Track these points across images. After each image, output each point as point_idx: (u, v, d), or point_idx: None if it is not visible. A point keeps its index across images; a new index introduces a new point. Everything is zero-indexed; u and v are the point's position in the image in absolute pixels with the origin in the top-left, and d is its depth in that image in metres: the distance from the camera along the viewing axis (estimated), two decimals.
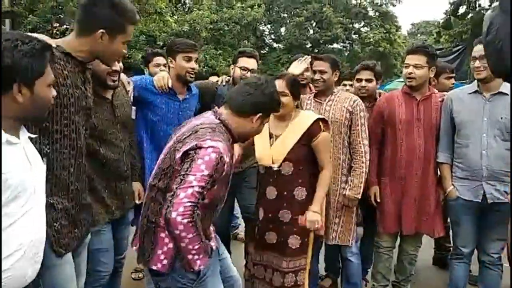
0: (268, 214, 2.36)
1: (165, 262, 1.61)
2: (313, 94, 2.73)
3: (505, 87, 2.41)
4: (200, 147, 1.55)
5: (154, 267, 1.62)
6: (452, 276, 2.68)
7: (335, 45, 23.80)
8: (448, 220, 2.85)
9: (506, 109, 2.37)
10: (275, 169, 2.29)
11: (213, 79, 3.12)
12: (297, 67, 2.74)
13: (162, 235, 1.60)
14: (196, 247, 1.53)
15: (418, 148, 2.58)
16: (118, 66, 2.04)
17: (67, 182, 1.61)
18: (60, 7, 11.97)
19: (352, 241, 2.64)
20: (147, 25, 13.61)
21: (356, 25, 24.43)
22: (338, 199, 2.61)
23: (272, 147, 2.32)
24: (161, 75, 2.57)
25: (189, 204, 1.47)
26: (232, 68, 2.91)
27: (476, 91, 2.49)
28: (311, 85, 3.01)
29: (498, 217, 2.45)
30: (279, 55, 22.11)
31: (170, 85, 2.54)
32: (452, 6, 15.62)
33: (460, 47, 12.21)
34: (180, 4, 18.13)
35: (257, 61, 2.91)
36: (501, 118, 2.37)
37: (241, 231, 3.90)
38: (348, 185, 2.56)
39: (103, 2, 1.58)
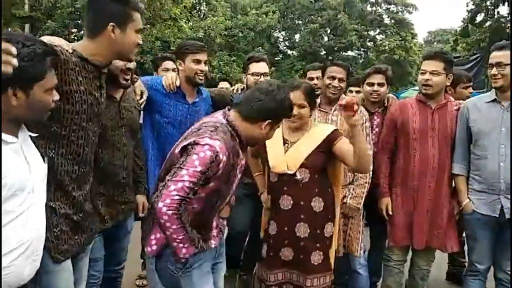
0: (284, 227, 2.22)
1: (154, 247, 1.70)
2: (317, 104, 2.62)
3: None
4: (197, 144, 1.57)
5: (146, 249, 1.73)
6: None
7: (349, 52, 23.68)
8: (463, 234, 2.74)
9: None
10: (290, 174, 2.17)
11: (223, 85, 3.09)
12: None
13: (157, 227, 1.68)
14: (180, 237, 1.56)
15: (432, 158, 2.49)
16: (131, 64, 2.01)
17: (69, 188, 1.59)
18: (78, 13, 12.22)
19: (360, 251, 2.56)
20: (161, 31, 13.76)
21: (371, 33, 24.26)
22: (344, 210, 2.53)
23: (288, 153, 2.22)
24: (170, 75, 2.55)
25: (177, 197, 1.50)
26: (245, 77, 2.88)
27: (494, 100, 2.39)
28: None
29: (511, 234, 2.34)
30: (293, 62, 22.08)
31: (178, 84, 2.51)
32: (470, 14, 15.40)
33: (477, 55, 12.01)
34: (195, 11, 18.30)
35: (267, 64, 2.86)
36: None
37: None
38: (350, 194, 2.49)
39: None
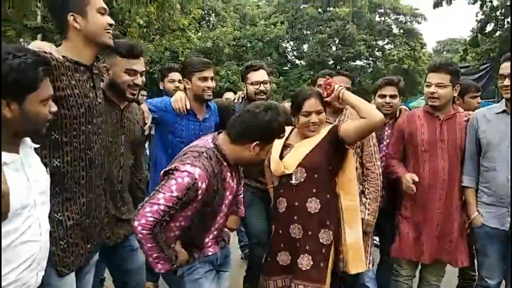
0: (279, 230, 2.19)
1: None
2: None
3: None
4: (178, 169, 1.61)
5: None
6: None
7: (358, 62, 23.64)
8: (473, 247, 2.67)
9: None
10: (287, 176, 2.14)
11: (228, 95, 3.09)
12: None
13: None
14: (155, 255, 1.63)
15: (441, 170, 2.43)
16: (140, 80, 1.99)
17: (78, 194, 1.58)
18: None
19: (369, 265, 2.51)
20: (170, 41, 13.91)
21: (380, 42, 24.21)
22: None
23: (287, 155, 2.20)
24: (178, 97, 2.53)
25: (151, 219, 1.56)
26: (244, 87, 2.86)
27: (504, 111, 2.35)
28: None
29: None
30: (301, 72, 22.10)
31: (188, 106, 2.51)
32: (479, 23, 15.29)
33: (487, 65, 11.92)
34: (204, 21, 18.50)
35: (266, 71, 2.82)
36: None
37: None
38: (367, 210, 2.44)
39: None
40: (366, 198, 2.47)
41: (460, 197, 2.49)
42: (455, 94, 2.52)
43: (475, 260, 2.62)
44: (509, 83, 2.25)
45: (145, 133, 2.35)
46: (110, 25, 1.64)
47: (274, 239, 2.22)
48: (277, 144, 2.21)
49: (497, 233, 2.33)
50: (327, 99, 2.20)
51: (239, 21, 18.42)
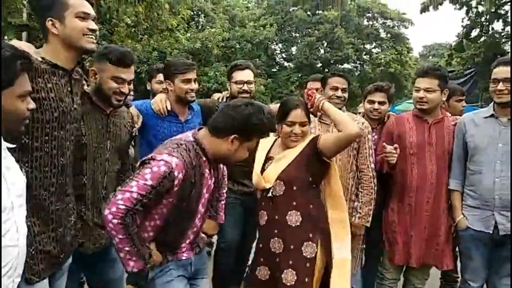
0: (259, 244, 2.16)
1: None
2: (315, 121, 2.57)
3: None
4: (154, 159, 1.57)
5: None
6: None
7: (345, 65, 23.82)
8: (456, 249, 2.69)
9: None
10: (267, 189, 2.11)
11: (217, 97, 3.06)
12: None
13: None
14: (127, 248, 1.54)
15: (430, 173, 2.45)
16: (127, 88, 1.94)
17: (47, 202, 1.52)
18: None
19: (358, 268, 2.51)
20: (158, 41, 13.80)
21: (368, 46, 24.45)
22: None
23: (268, 169, 2.17)
24: (158, 98, 2.50)
25: (123, 207, 1.49)
26: (229, 85, 2.83)
27: (492, 115, 2.37)
28: None
29: (510, 250, 2.30)
30: (289, 74, 22.17)
31: (169, 107, 2.47)
32: (465, 29, 15.57)
33: (471, 70, 12.11)
34: (193, 22, 18.41)
35: (252, 71, 2.80)
36: None
37: None
38: (358, 213, 2.44)
39: None
40: (359, 202, 2.47)
41: (447, 201, 2.51)
42: (444, 99, 2.54)
43: (457, 262, 2.65)
44: (502, 88, 2.27)
45: (134, 135, 2.30)
46: (92, 30, 1.61)
47: (256, 252, 2.20)
48: (260, 156, 2.20)
49: (481, 236, 2.35)
50: (311, 109, 2.21)
51: (228, 22, 18.37)
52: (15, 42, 1.57)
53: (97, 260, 1.94)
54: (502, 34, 14.95)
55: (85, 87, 1.91)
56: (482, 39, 14.88)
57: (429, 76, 2.46)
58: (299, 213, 2.06)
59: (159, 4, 11.08)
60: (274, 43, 23.72)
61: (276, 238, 2.07)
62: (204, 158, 1.71)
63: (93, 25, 1.62)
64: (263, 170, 2.19)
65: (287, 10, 23.37)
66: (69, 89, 1.60)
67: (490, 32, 14.91)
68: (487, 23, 15.00)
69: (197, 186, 1.68)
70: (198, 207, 1.74)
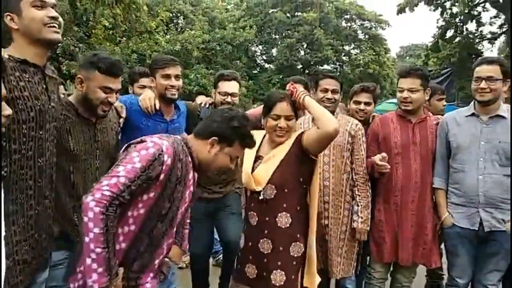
0: (248, 243, 2.14)
1: (80, 282, 1.48)
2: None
3: (502, 110, 2.33)
4: (143, 141, 1.50)
5: (71, 286, 1.50)
6: None
7: (325, 66, 24.02)
8: (441, 246, 2.72)
9: (505, 133, 2.29)
10: (257, 191, 2.08)
11: (200, 99, 3.00)
12: None
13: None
14: (98, 250, 1.34)
15: (414, 173, 2.47)
16: (114, 98, 1.90)
17: (25, 206, 1.44)
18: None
19: (353, 271, 2.51)
20: (137, 44, 13.59)
21: (346, 47, 24.74)
22: (341, 228, 2.47)
23: (256, 170, 2.13)
24: (147, 96, 2.43)
25: (108, 193, 1.35)
26: (214, 93, 2.79)
27: (473, 114, 2.41)
28: None
29: (495, 246, 2.34)
30: (270, 76, 22.22)
31: (157, 106, 2.41)
32: (440, 29, 15.94)
33: (448, 69, 12.40)
34: (172, 24, 18.23)
35: (238, 83, 2.77)
36: (499, 142, 2.29)
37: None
38: (360, 218, 2.43)
39: None
40: (358, 206, 2.45)
41: (432, 199, 2.54)
42: (427, 98, 2.57)
43: (443, 259, 2.67)
44: (485, 86, 2.29)
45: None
46: (52, 18, 1.51)
47: (243, 250, 2.17)
48: (249, 155, 2.16)
49: (467, 233, 2.38)
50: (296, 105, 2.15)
51: (207, 24, 18.25)
52: None
53: None
54: (476, 34, 15.39)
55: (62, 90, 1.84)
56: (457, 39, 15.27)
57: (412, 76, 2.48)
58: (289, 215, 2.05)
59: (138, 6, 10.89)
60: (254, 45, 23.75)
61: (265, 239, 2.06)
62: (190, 159, 1.66)
63: (52, 12, 1.51)
64: (253, 169, 2.15)
65: (266, 12, 23.45)
66: (44, 86, 1.52)
67: (464, 33, 15.32)
68: (461, 24, 15.41)
69: (181, 183, 1.60)
70: (177, 216, 1.65)
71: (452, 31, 15.62)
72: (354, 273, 2.57)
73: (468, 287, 2.51)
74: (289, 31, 23.24)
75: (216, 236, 3.23)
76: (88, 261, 1.36)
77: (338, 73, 24.60)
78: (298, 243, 2.05)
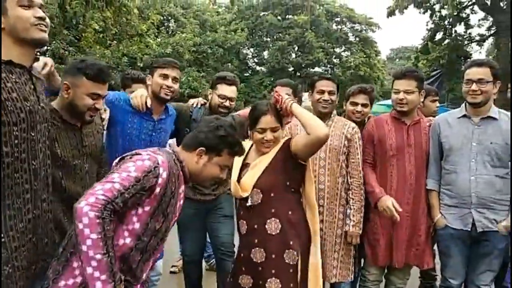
0: (240, 253, 2.12)
1: None
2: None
3: (493, 111, 2.35)
4: (138, 153, 1.50)
5: None
6: None
7: (317, 69, 24.11)
8: (434, 247, 2.73)
9: (496, 134, 2.31)
10: (244, 197, 2.06)
11: (193, 101, 2.98)
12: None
13: (75, 264, 1.43)
14: (98, 256, 1.29)
15: (409, 175, 2.48)
16: (101, 104, 1.88)
17: (23, 211, 1.41)
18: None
19: (352, 276, 2.49)
20: (128, 47, 13.51)
21: (337, 50, 24.87)
22: (336, 232, 2.45)
23: (244, 177, 2.12)
24: (139, 93, 2.41)
25: (102, 197, 1.32)
26: (211, 93, 2.77)
27: (464, 115, 2.42)
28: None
29: (488, 247, 2.35)
30: (262, 78, 22.24)
31: (149, 105, 2.40)
32: (429, 32, 16.14)
33: (437, 71, 12.53)
34: (163, 27, 18.17)
35: (237, 87, 2.76)
36: (491, 143, 2.30)
37: None
38: (352, 221, 2.42)
39: None
40: (351, 209, 2.44)
41: (426, 201, 2.54)
42: (422, 99, 2.58)
43: (435, 260, 2.68)
44: (476, 88, 2.30)
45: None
46: (39, 18, 1.47)
47: (236, 260, 2.16)
48: (236, 163, 2.15)
49: (460, 234, 2.39)
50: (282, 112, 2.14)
51: (199, 27, 18.23)
52: None
53: None
54: (465, 36, 15.59)
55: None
56: (446, 41, 15.46)
57: (407, 77, 2.49)
58: (278, 221, 2.03)
59: (128, 9, 10.85)
60: (246, 47, 23.75)
61: (257, 248, 2.04)
62: (181, 173, 1.65)
63: (40, 12, 1.48)
64: (240, 177, 2.13)
65: (258, 15, 23.50)
66: (32, 87, 1.49)
67: (453, 35, 15.52)
68: (450, 26, 15.61)
69: (175, 197, 1.60)
70: (169, 226, 1.65)
71: (441, 33, 15.82)
72: (352, 277, 2.55)
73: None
74: (280, 34, 23.31)
75: (208, 239, 3.22)
76: (90, 270, 1.29)
77: (329, 75, 24.69)
78: (291, 250, 2.02)
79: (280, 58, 22.46)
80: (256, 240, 2.04)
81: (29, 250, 1.44)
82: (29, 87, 1.48)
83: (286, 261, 2.01)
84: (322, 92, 2.49)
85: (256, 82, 21.92)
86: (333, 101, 2.50)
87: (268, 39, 24.34)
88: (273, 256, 2.00)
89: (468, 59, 15.02)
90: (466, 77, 2.37)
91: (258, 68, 24.67)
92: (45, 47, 12.20)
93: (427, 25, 16.36)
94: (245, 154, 2.17)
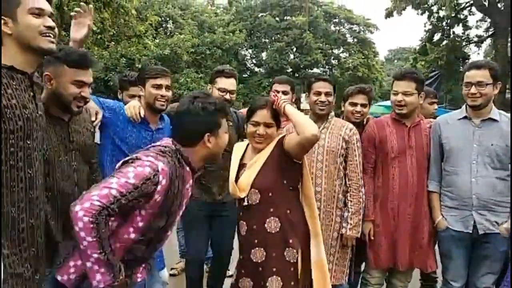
0: (241, 255, 2.10)
1: (72, 276, 1.51)
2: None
3: (494, 113, 2.34)
4: (139, 159, 1.48)
5: (59, 278, 1.52)
6: None
7: (315, 70, 24.16)
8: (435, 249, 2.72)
9: (497, 136, 2.29)
10: (242, 197, 2.05)
11: None
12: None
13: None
14: (95, 255, 1.36)
15: (411, 177, 2.46)
16: (87, 92, 1.80)
17: (17, 220, 1.39)
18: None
19: (346, 278, 2.47)
20: (126, 48, 13.49)
21: (336, 51, 24.92)
22: (333, 235, 2.43)
23: (241, 177, 2.09)
24: (132, 105, 2.40)
25: (98, 203, 1.34)
26: (210, 88, 2.75)
27: (465, 117, 2.41)
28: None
29: (490, 249, 2.33)
30: (260, 79, 22.25)
31: (142, 115, 2.38)
32: (428, 33, 16.19)
33: (436, 72, 12.56)
34: (161, 28, 18.15)
35: (236, 80, 2.75)
36: (492, 145, 2.29)
37: None
38: (349, 224, 2.40)
39: None
40: (348, 212, 2.42)
41: (428, 203, 2.52)
42: (421, 102, 2.56)
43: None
44: (475, 91, 2.29)
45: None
46: (49, 27, 1.46)
47: (237, 264, 2.14)
48: (234, 164, 2.15)
49: (461, 236, 2.37)
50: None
51: (197, 28, 18.22)
52: None
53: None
54: (463, 37, 15.63)
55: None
56: (444, 42, 15.51)
57: (407, 79, 2.47)
58: (277, 219, 2.02)
59: (126, 10, 10.83)
60: (244, 48, 23.78)
61: (257, 248, 2.02)
62: (188, 169, 1.63)
63: (50, 22, 1.47)
64: (237, 178, 2.12)
65: (256, 16, 23.53)
66: (31, 94, 1.47)
67: (451, 36, 15.56)
68: (448, 28, 15.67)
69: (178, 197, 1.60)
70: (175, 218, 1.68)
71: (439, 34, 15.88)
72: (348, 280, 2.53)
73: None
74: (278, 35, 23.34)
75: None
76: (89, 264, 1.38)
77: (328, 76, 24.70)
78: (291, 248, 2.01)
79: (278, 59, 22.48)
80: (256, 240, 2.02)
81: (25, 259, 1.42)
82: (29, 94, 1.46)
83: (287, 259, 2.00)
84: (319, 93, 2.47)
85: (254, 83, 21.93)
86: (330, 102, 2.49)
87: (266, 40, 24.37)
88: (274, 254, 1.99)
89: (466, 60, 15.10)
90: (465, 79, 2.36)
91: (256, 69, 24.69)
92: None
93: (425, 26, 16.42)
94: (241, 154, 2.18)
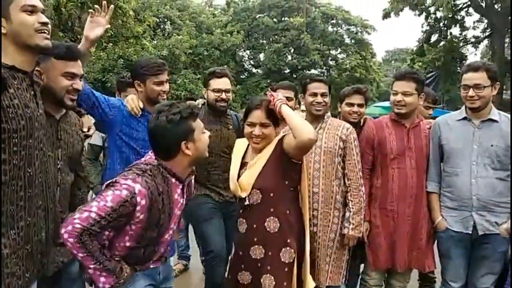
0: (239, 251, 2.11)
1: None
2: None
3: (494, 113, 2.34)
4: (118, 182, 1.55)
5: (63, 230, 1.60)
6: None
7: (313, 71, 24.19)
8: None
9: (497, 137, 2.29)
10: (243, 197, 2.06)
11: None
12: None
13: None
14: (91, 265, 1.52)
15: (410, 178, 2.45)
16: (79, 84, 1.78)
17: (16, 218, 1.39)
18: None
19: (342, 280, 2.46)
20: (124, 49, 13.47)
21: (333, 52, 24.98)
22: (330, 236, 2.42)
23: (242, 176, 2.10)
24: (130, 98, 2.39)
25: (79, 226, 1.45)
26: (205, 92, 2.76)
27: (465, 118, 2.41)
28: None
29: (489, 250, 2.33)
30: (258, 80, 22.28)
31: (141, 106, 2.37)
32: (425, 34, 16.25)
33: (433, 73, 12.60)
34: (159, 29, 18.15)
35: (229, 79, 2.74)
36: (492, 145, 2.29)
37: None
38: (351, 224, 2.39)
39: None
40: (350, 211, 2.42)
41: (428, 204, 2.52)
42: (421, 103, 2.56)
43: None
44: (473, 94, 2.28)
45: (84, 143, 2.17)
46: (43, 23, 1.45)
47: (234, 259, 2.15)
48: (235, 162, 2.15)
49: (461, 237, 2.37)
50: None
51: (195, 29, 18.23)
52: None
53: (56, 281, 1.81)
54: (460, 38, 15.69)
55: None
56: (441, 43, 15.56)
57: (407, 79, 2.46)
58: (277, 219, 2.03)
59: (124, 11, 10.81)
60: (242, 49, 23.81)
61: (256, 246, 2.04)
62: (174, 180, 1.68)
63: (43, 18, 1.46)
64: (239, 176, 2.12)
65: (254, 17, 23.55)
66: (32, 93, 1.46)
67: (448, 37, 15.61)
68: (445, 28, 15.72)
69: (166, 211, 1.66)
70: (170, 226, 1.74)
71: (437, 35, 15.93)
72: (344, 282, 2.52)
73: None
74: (276, 36, 23.37)
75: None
76: (90, 271, 1.54)
77: (326, 77, 24.73)
78: (288, 248, 2.02)
79: (276, 60, 22.52)
80: (255, 239, 2.04)
81: (21, 258, 1.42)
82: (30, 93, 1.45)
83: (282, 259, 2.01)
84: (315, 94, 2.47)
85: (252, 84, 21.95)
86: (326, 103, 2.49)
87: (264, 41, 24.40)
88: (270, 253, 2.02)
89: (464, 61, 15.13)
90: (463, 82, 2.35)
91: (254, 70, 24.72)
92: None
93: (422, 27, 16.48)
94: (243, 153, 2.18)
